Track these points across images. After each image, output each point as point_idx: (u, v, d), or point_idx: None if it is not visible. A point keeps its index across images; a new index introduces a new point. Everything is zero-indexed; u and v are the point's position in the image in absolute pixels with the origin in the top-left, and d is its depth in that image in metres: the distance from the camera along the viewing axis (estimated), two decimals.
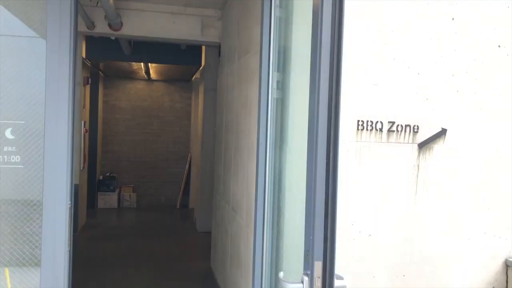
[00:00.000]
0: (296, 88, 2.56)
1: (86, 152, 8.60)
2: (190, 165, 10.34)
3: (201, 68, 8.50)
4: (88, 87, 8.52)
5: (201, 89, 8.51)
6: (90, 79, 8.52)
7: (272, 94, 2.72)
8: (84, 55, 7.79)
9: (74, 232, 7.52)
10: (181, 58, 8.38)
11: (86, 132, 8.43)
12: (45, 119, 2.39)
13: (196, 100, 9.73)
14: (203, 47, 8.02)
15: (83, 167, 8.14)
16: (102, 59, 8.56)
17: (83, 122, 7.96)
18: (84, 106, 8.09)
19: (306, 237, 1.69)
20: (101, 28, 5.62)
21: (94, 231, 7.94)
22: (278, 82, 2.74)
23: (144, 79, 10.83)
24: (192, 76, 10.24)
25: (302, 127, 2.66)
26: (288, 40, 2.68)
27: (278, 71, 2.73)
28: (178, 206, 10.52)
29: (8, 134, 2.47)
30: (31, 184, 2.50)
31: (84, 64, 7.87)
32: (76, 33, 2.62)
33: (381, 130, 2.76)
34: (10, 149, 2.47)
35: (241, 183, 4.20)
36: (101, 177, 10.15)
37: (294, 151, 2.59)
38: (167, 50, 8.22)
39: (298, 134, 2.61)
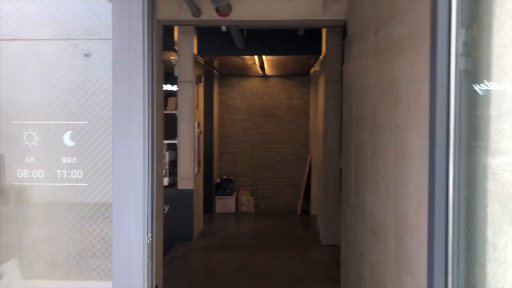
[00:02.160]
0: (506, 47, 1.44)
1: (202, 155, 8.19)
2: (310, 167, 9.42)
3: (321, 57, 7.54)
4: (201, 86, 8.07)
5: (321, 81, 7.55)
6: (203, 78, 8.06)
7: (458, 64, 1.63)
8: (195, 52, 7.33)
9: (189, 241, 7.11)
10: (298, 47, 7.55)
11: (200, 133, 7.99)
12: (113, 122, 1.63)
13: (315, 94, 8.81)
14: (324, 34, 7.05)
15: (198, 170, 7.69)
16: (214, 54, 8.06)
17: (196, 123, 7.50)
18: (197, 106, 7.64)
19: None
20: (208, 15, 4.94)
21: (210, 240, 7.41)
22: (465, 44, 1.63)
23: (259, 76, 10.22)
24: (310, 69, 9.33)
25: None
26: None
27: (465, 27, 1.62)
28: (298, 212, 9.66)
29: (67, 139, 1.75)
30: (97, 210, 1.76)
31: (196, 61, 7.42)
32: (153, 17, 1.85)
33: None
34: (70, 160, 1.75)
35: (385, 198, 3.12)
36: (218, 180, 9.74)
37: (502, 155, 1.47)
38: (282, 40, 7.44)
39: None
